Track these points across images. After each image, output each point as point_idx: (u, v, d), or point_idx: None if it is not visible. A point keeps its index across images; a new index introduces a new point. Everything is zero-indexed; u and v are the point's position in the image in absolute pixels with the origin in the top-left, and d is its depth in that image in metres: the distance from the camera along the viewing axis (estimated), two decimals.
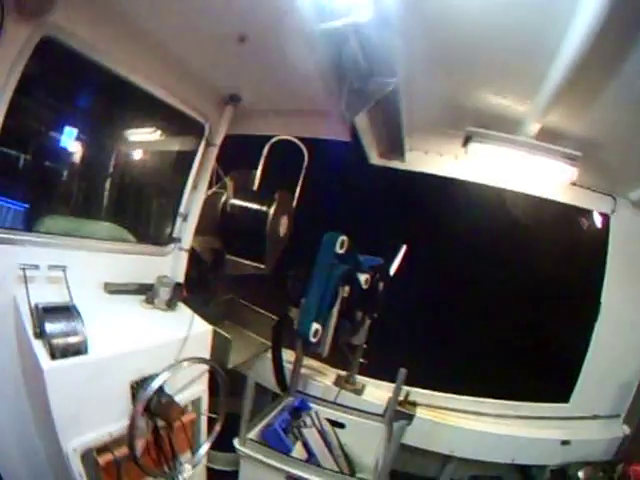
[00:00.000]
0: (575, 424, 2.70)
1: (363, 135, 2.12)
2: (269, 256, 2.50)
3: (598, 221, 2.64)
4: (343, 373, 2.46)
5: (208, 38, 1.60)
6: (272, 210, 2.39)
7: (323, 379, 2.43)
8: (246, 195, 2.50)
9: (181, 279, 2.13)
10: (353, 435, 2.26)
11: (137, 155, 2.05)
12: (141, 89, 1.73)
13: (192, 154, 2.13)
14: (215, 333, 1.84)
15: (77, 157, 1.76)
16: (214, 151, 2.20)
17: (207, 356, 1.75)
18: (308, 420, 2.21)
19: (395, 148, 2.23)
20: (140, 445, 1.36)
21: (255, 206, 2.44)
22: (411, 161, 2.38)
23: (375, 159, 2.34)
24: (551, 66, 1.45)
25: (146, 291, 1.82)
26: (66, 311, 1.30)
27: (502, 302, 2.52)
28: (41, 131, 1.64)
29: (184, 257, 2.17)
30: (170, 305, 1.78)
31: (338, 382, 2.40)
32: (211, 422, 1.72)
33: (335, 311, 1.90)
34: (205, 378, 1.68)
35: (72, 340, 1.23)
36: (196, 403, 1.73)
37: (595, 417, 2.81)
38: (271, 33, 1.46)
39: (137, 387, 1.38)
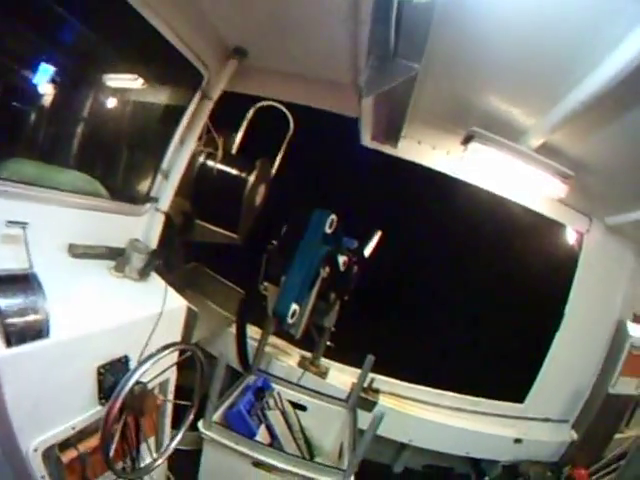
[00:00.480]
0: (528, 424, 2.89)
1: (364, 115, 2.03)
2: (243, 225, 2.41)
3: (572, 237, 2.86)
4: (307, 354, 2.46)
5: None
6: (252, 177, 2.29)
7: (287, 359, 2.42)
8: (226, 158, 2.39)
9: (154, 244, 1.95)
10: (314, 418, 2.28)
11: (121, 98, 1.79)
12: (139, 17, 1.47)
13: (184, 105, 1.91)
14: None
15: (49, 91, 1.51)
16: (209, 105, 2.01)
17: (179, 334, 1.64)
18: (271, 402, 2.20)
19: (390, 133, 2.18)
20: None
21: (235, 171, 2.34)
22: (403, 149, 2.35)
23: (367, 141, 2.29)
24: (572, 91, 1.57)
25: (116, 256, 1.63)
26: (24, 281, 1.09)
27: (473, 299, 2.61)
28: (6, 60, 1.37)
29: (160, 220, 1.96)
30: (142, 274, 1.61)
31: (302, 364, 2.39)
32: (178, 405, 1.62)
33: (314, 292, 1.85)
34: (174, 357, 1.54)
35: (32, 320, 1.04)
36: (164, 385, 1.62)
37: (546, 420, 3.03)
38: None
39: (105, 372, 1.24)
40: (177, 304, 1.61)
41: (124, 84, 1.77)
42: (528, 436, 2.80)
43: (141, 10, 1.44)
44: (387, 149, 2.34)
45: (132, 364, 1.33)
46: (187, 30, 1.68)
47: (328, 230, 1.86)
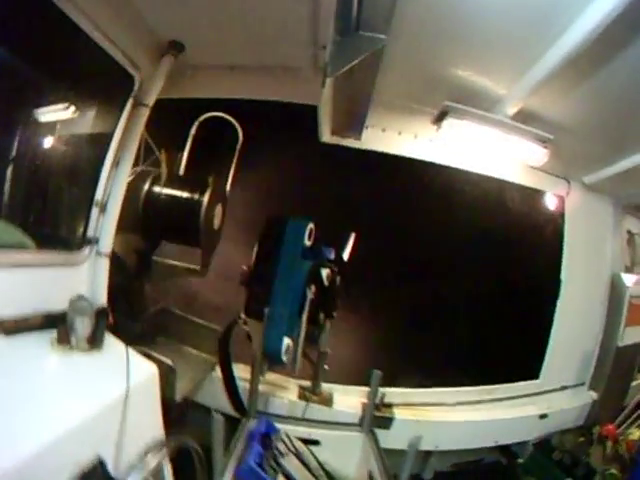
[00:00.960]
0: (548, 397, 2.88)
1: (324, 102, 1.84)
2: (205, 254, 2.19)
3: (554, 203, 2.87)
4: (306, 383, 2.28)
5: None
6: (206, 198, 2.07)
7: (285, 394, 2.22)
8: (174, 181, 2.16)
9: (103, 297, 1.64)
10: (331, 450, 2.11)
11: (35, 116, 1.46)
12: (54, 7, 1.18)
13: (114, 117, 1.60)
14: (155, 362, 1.44)
15: None
16: (145, 113, 1.72)
17: (157, 403, 1.38)
18: (281, 446, 1.99)
19: (353, 124, 2.03)
20: None
21: (186, 194, 2.10)
22: (367, 140, 2.22)
23: (327, 136, 2.13)
24: (548, 51, 1.57)
25: (56, 323, 1.34)
26: None
27: (468, 287, 2.55)
28: None
29: (105, 264, 1.65)
30: (93, 341, 1.34)
31: (303, 395, 2.20)
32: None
33: (304, 318, 1.66)
34: (157, 431, 1.33)
35: None
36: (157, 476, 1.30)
37: (564, 388, 3.03)
38: None
39: None
40: (146, 372, 1.34)
41: (38, 99, 1.46)
42: (551, 409, 2.80)
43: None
44: (350, 142, 2.19)
45: (110, 467, 1.06)
46: (111, 23, 1.42)
47: (307, 242, 1.68)
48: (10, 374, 1.07)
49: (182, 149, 2.25)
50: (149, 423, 1.33)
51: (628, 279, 3.24)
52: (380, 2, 1.35)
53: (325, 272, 1.80)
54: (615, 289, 3.20)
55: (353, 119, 2.05)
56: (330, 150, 2.12)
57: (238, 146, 2.24)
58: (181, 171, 2.22)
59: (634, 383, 3.76)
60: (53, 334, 1.32)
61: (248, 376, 2.12)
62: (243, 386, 2.13)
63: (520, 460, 2.93)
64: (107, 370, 1.28)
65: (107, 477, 1.03)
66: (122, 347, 1.38)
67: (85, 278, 1.57)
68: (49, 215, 1.60)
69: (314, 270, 1.70)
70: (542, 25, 1.50)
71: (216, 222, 2.15)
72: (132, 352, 1.37)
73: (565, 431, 3.01)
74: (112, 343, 1.43)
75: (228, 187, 2.15)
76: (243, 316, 1.91)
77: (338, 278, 1.86)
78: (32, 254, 1.36)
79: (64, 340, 1.29)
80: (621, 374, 3.49)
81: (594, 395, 3.17)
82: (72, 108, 1.54)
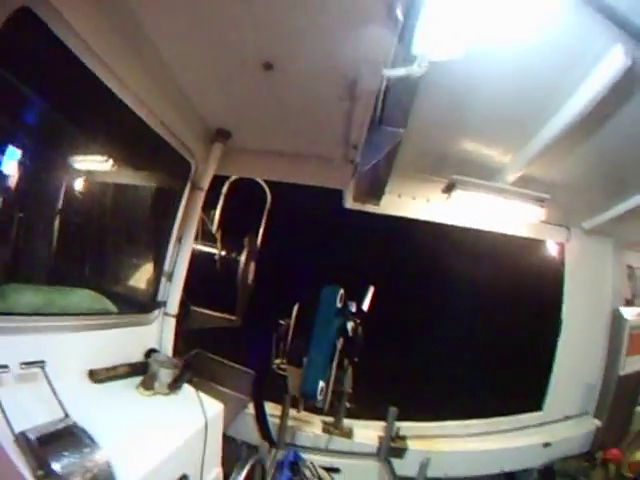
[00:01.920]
0: (552, 427, 3.28)
1: (351, 184, 2.29)
2: (239, 306, 2.63)
3: (554, 249, 3.33)
4: (328, 419, 2.70)
5: (223, 66, 1.54)
6: (243, 257, 2.53)
7: (310, 428, 2.65)
8: (209, 239, 2.60)
9: (169, 350, 2.05)
10: (350, 477, 2.52)
11: (113, 200, 1.81)
12: (126, 108, 1.48)
13: (176, 200, 1.97)
14: None
15: (36, 201, 1.46)
16: (201, 196, 2.07)
17: (221, 436, 1.76)
18: (307, 472, 2.42)
19: (373, 192, 2.46)
20: None
21: (224, 253, 2.56)
22: (385, 205, 2.65)
23: (349, 203, 2.57)
24: (542, 129, 2.01)
25: (137, 372, 1.71)
26: (71, 435, 1.08)
27: (476, 329, 2.96)
28: None
29: (171, 324, 2.04)
30: (172, 388, 1.70)
31: (326, 429, 2.62)
32: None
33: (334, 365, 2.12)
34: (218, 458, 1.70)
35: (94, 477, 1.02)
36: None
37: (567, 418, 3.43)
38: (298, 58, 1.45)
39: None
40: (216, 410, 1.72)
41: (114, 186, 1.82)
42: (555, 438, 3.17)
43: (125, 99, 1.48)
44: (369, 208, 2.63)
45: (191, 478, 1.44)
46: (171, 116, 1.72)
47: (339, 305, 2.13)
48: (111, 415, 1.38)
49: (214, 208, 2.70)
50: (217, 449, 1.74)
51: (628, 312, 3.64)
52: (400, 102, 1.71)
53: (350, 325, 2.24)
54: (616, 322, 3.59)
55: (373, 188, 2.48)
56: (352, 214, 2.57)
57: (267, 206, 2.68)
58: (214, 228, 2.66)
59: (639, 408, 4.16)
60: (135, 381, 1.68)
61: (277, 413, 2.58)
62: (272, 421, 2.58)
63: None
64: (185, 408, 1.64)
65: None
66: (192, 390, 1.77)
67: (155, 334, 1.99)
68: (127, 283, 1.99)
69: (341, 324, 2.15)
70: (536, 108, 1.92)
71: (250, 277, 2.60)
72: (201, 394, 1.75)
73: (569, 457, 3.40)
74: (185, 387, 1.79)
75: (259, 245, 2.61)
76: (277, 361, 2.37)
77: (360, 329, 2.31)
78: (116, 317, 1.75)
79: (148, 387, 1.67)
80: (624, 401, 3.86)
81: (598, 423, 3.55)
82: (144, 194, 1.98)
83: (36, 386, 1.22)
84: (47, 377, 1.23)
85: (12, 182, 1.34)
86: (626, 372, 3.64)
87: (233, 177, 2.65)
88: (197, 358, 2.83)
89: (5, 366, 1.12)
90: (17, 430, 1.01)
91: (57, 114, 1.44)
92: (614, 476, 3.37)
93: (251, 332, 2.52)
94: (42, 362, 1.23)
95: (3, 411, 1.02)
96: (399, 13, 1.13)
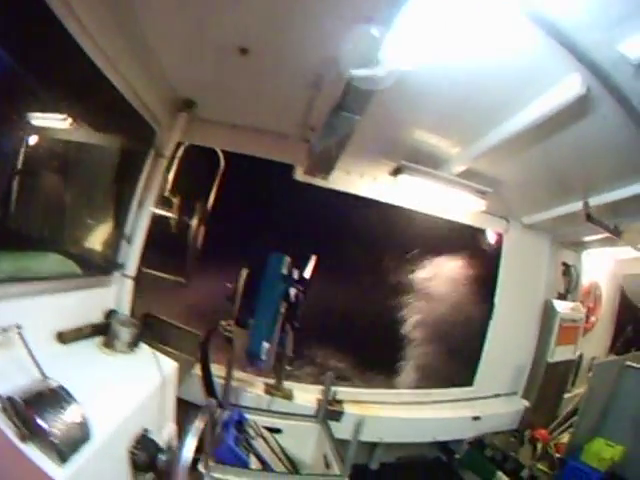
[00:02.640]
0: (481, 403, 3.63)
1: (303, 159, 2.48)
2: (189, 268, 2.77)
3: (493, 238, 3.65)
4: (270, 381, 2.91)
5: (200, 46, 1.65)
6: (194, 222, 2.67)
7: (253, 389, 2.84)
8: (164, 203, 2.71)
9: (127, 311, 2.16)
10: (291, 438, 2.72)
11: (78, 164, 1.83)
12: (96, 69, 1.51)
13: (139, 165, 2.07)
14: None
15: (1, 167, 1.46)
16: (163, 163, 2.20)
17: (175, 392, 1.90)
18: (251, 431, 2.60)
19: (322, 167, 2.65)
20: None
21: (175, 216, 2.68)
22: (334, 180, 2.86)
23: (300, 175, 2.77)
24: (492, 132, 2.23)
25: (99, 332, 1.83)
26: (54, 394, 1.17)
27: (415, 303, 3.24)
28: None
29: (129, 285, 2.16)
30: (132, 346, 1.84)
31: (268, 390, 2.83)
32: None
33: (278, 327, 2.31)
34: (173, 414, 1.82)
35: (75, 430, 1.12)
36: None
37: (497, 395, 3.80)
38: (274, 49, 1.61)
39: (136, 452, 1.43)
40: (170, 367, 1.88)
41: (80, 148, 1.83)
42: (484, 413, 3.52)
43: (96, 59, 1.51)
44: (318, 181, 2.83)
45: (152, 434, 1.56)
46: (141, 83, 1.80)
47: (284, 271, 2.32)
48: (79, 373, 1.46)
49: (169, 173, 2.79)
50: (172, 406, 1.90)
51: (559, 305, 4.06)
52: (360, 94, 1.86)
53: (292, 291, 2.44)
54: (547, 313, 4.00)
55: (324, 164, 2.69)
56: (301, 187, 2.77)
57: (220, 171, 2.81)
58: (166, 192, 2.76)
59: (567, 395, 4.61)
60: (98, 341, 1.80)
61: (222, 374, 2.74)
62: (218, 382, 2.74)
63: (457, 456, 3.67)
64: (144, 365, 1.78)
65: (150, 441, 1.52)
66: (149, 349, 1.92)
67: (113, 295, 2.10)
68: (89, 245, 2.06)
69: (285, 290, 2.34)
70: (487, 114, 2.14)
71: (199, 241, 2.74)
72: (157, 353, 1.90)
73: (497, 433, 3.77)
74: (143, 346, 1.95)
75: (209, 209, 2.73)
76: (224, 323, 2.53)
77: (302, 295, 2.51)
78: (81, 280, 1.83)
79: (110, 346, 1.81)
80: (552, 386, 4.30)
81: (526, 403, 3.95)
82: (109, 158, 2.03)
83: (13, 349, 1.27)
84: (24, 341, 1.28)
85: None
86: (555, 360, 4.06)
87: (187, 144, 2.73)
88: (146, 319, 2.96)
89: None
90: (1, 393, 1.08)
91: (23, 68, 1.39)
92: (541, 454, 3.77)
93: (199, 294, 2.66)
94: (19, 326, 1.29)
95: None
96: (372, 21, 1.29)
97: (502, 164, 2.74)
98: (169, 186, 2.56)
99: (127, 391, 1.53)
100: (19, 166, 1.55)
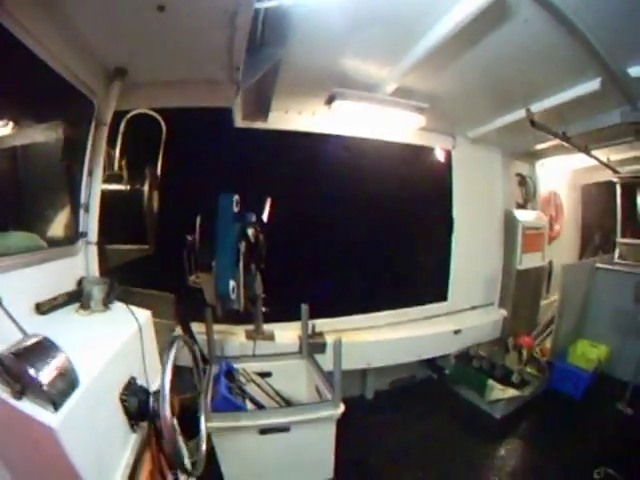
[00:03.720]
0: (459, 316, 3.89)
1: (237, 103, 2.54)
2: (150, 234, 2.84)
3: (442, 155, 3.81)
4: (249, 327, 3.04)
5: (118, 10, 1.70)
6: (146, 187, 2.71)
7: (235, 338, 2.98)
8: (112, 177, 2.75)
9: (96, 274, 2.28)
10: (282, 378, 2.86)
11: (28, 143, 1.91)
12: (29, 53, 1.58)
13: (83, 136, 2.16)
14: None
15: None
16: (105, 131, 2.31)
17: (154, 341, 2.01)
18: (242, 379, 2.74)
19: (259, 110, 2.72)
20: None
21: (127, 187, 2.72)
22: (273, 121, 2.93)
23: (239, 122, 2.83)
24: (416, 44, 2.27)
25: (74, 299, 1.91)
26: (39, 346, 1.22)
27: (378, 230, 3.41)
28: None
29: (94, 251, 2.28)
30: (106, 303, 1.95)
31: (250, 336, 2.97)
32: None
33: (241, 267, 2.40)
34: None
35: (64, 377, 1.17)
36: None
37: (473, 308, 4.07)
38: (187, 7, 1.67)
39: (126, 397, 1.50)
40: (144, 315, 2.00)
41: (28, 128, 1.90)
42: (464, 325, 3.76)
43: (25, 40, 1.58)
44: (258, 125, 2.90)
45: (139, 381, 1.66)
46: (72, 59, 1.89)
47: (235, 209, 2.41)
48: (60, 335, 1.41)
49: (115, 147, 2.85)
50: (154, 352, 1.99)
51: (520, 214, 4.31)
52: (277, 25, 1.99)
53: (250, 231, 2.54)
54: (509, 222, 4.25)
55: (260, 106, 2.76)
56: (243, 133, 2.84)
57: (163, 137, 2.86)
58: (115, 166, 2.81)
59: (544, 302, 4.96)
60: (74, 307, 1.88)
61: (202, 330, 2.87)
62: (201, 339, 2.87)
63: (446, 372, 3.94)
64: (120, 318, 1.88)
65: (138, 387, 1.60)
66: (122, 305, 2.02)
67: (81, 263, 2.21)
68: (51, 219, 2.14)
69: (241, 230, 2.44)
70: (408, 25, 2.15)
71: (155, 205, 2.81)
72: (131, 306, 2.00)
73: (481, 344, 4.05)
74: (116, 304, 2.05)
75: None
76: (192, 277, 2.64)
77: (261, 236, 2.62)
78: (48, 252, 1.90)
79: (86, 307, 1.90)
80: (528, 294, 4.62)
81: (504, 312, 4.24)
82: (55, 133, 2.08)
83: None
84: (6, 310, 1.36)
85: None
86: (524, 267, 4.34)
87: (129, 115, 2.78)
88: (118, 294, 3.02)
89: None
90: None
91: None
92: (527, 359, 4.08)
93: (166, 256, 2.74)
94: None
95: None
96: None
97: (434, 78, 2.82)
98: (117, 158, 2.62)
99: (106, 340, 1.62)
100: None
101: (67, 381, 1.18)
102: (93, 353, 1.45)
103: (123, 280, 3.07)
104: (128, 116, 2.79)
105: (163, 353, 2.47)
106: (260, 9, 1.85)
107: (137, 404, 1.53)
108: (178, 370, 2.41)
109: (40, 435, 1.08)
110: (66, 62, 1.89)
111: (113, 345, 1.59)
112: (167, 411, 1.38)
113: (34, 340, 1.23)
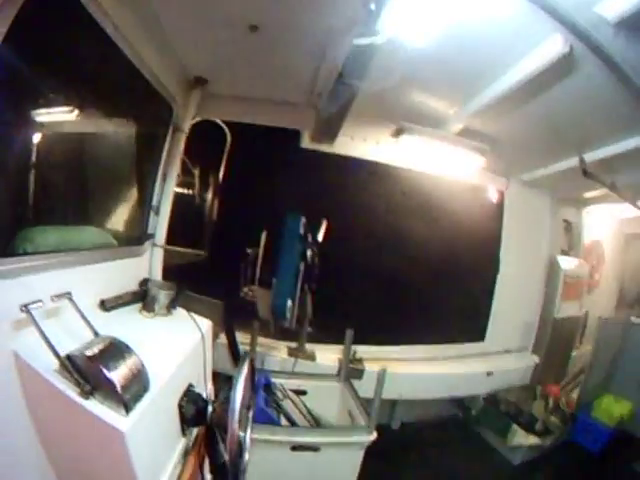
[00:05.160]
0: (493, 358, 3.90)
1: (310, 126, 2.69)
2: (206, 240, 2.99)
3: (495, 196, 3.90)
4: (292, 344, 3.14)
5: (210, 26, 1.81)
6: (210, 195, 2.88)
7: (277, 353, 3.07)
8: (184, 182, 2.91)
9: (159, 277, 2.36)
10: (315, 398, 2.94)
11: (109, 144, 2.00)
12: (120, 54, 1.66)
13: (161, 142, 2.26)
14: None
15: (41, 145, 1.55)
16: (182, 138, 2.40)
17: (212, 350, 2.03)
18: (278, 393, 2.82)
19: (327, 133, 2.86)
20: None
21: (190, 191, 2.89)
22: (338, 145, 3.07)
23: (306, 143, 2.99)
24: (488, 88, 2.42)
25: (137, 299, 1.97)
26: (115, 348, 1.22)
27: (425, 265, 3.48)
28: None
29: (160, 254, 2.36)
30: (169, 309, 1.99)
31: (292, 353, 3.06)
32: None
33: (299, 286, 2.52)
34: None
35: (137, 380, 1.17)
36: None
37: (508, 351, 4.08)
38: (282, 24, 1.78)
39: (184, 405, 1.53)
40: (207, 325, 2.03)
41: (107, 128, 1.95)
42: (497, 368, 3.77)
43: (115, 39, 1.65)
44: (324, 148, 3.05)
45: (196, 389, 1.69)
46: (157, 64, 1.96)
47: (302, 231, 2.54)
48: (126, 335, 1.44)
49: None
50: (210, 362, 2.00)
51: (563, 261, 4.33)
52: (361, 61, 2.07)
53: (309, 252, 2.66)
54: (552, 269, 4.27)
55: (329, 130, 2.90)
56: (308, 153, 2.98)
57: (227, 148, 3.02)
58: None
59: (575, 352, 4.91)
60: (137, 307, 1.93)
61: (246, 341, 2.98)
62: (243, 349, 2.98)
63: (473, 412, 3.95)
64: (182, 325, 1.92)
65: (197, 395, 1.64)
66: (184, 311, 2.06)
67: (146, 264, 2.31)
68: (122, 218, 2.21)
69: (303, 250, 2.57)
70: (479, 72, 2.30)
71: (214, 213, 2.96)
72: (192, 314, 2.05)
73: (510, 388, 4.05)
74: (178, 310, 2.08)
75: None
76: (245, 289, 2.76)
77: (317, 257, 2.74)
78: (117, 250, 1.99)
79: (150, 309, 1.94)
80: (561, 343, 4.59)
81: (536, 359, 4.23)
82: (133, 134, 2.16)
83: (64, 316, 1.39)
84: (76, 306, 1.40)
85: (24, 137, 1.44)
86: (561, 316, 4.34)
87: (194, 120, 2.92)
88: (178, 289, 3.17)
89: (39, 301, 1.24)
90: (62, 354, 1.13)
91: (55, 60, 1.51)
92: (553, 408, 4.06)
93: (219, 264, 2.87)
94: (69, 293, 1.40)
95: (47, 341, 1.15)
96: None
97: (498, 122, 2.95)
98: (189, 162, 2.78)
99: (172, 346, 1.67)
100: (66, 152, 1.74)
101: (140, 384, 1.19)
102: (162, 357, 1.48)
103: (177, 280, 3.24)
104: (193, 121, 2.97)
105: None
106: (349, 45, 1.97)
107: (194, 411, 1.57)
108: (214, 375, 2.54)
109: (107, 437, 1.08)
110: (150, 65, 1.94)
111: (181, 351, 1.65)
112: (236, 426, 1.40)
113: (107, 341, 1.24)
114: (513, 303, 3.93)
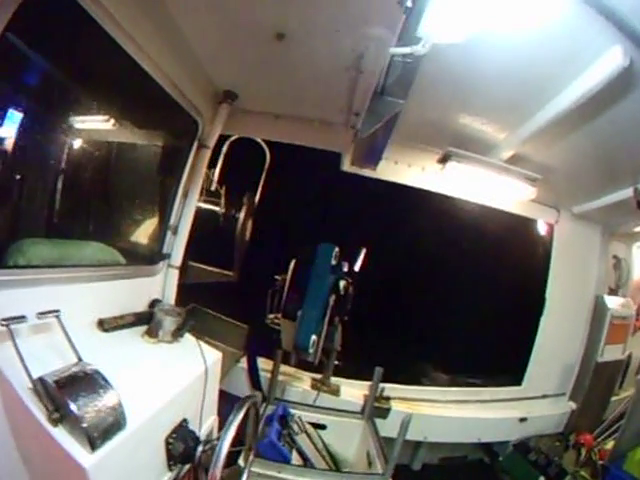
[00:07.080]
0: (529, 403, 3.65)
1: (350, 148, 2.55)
2: (236, 262, 2.89)
3: (544, 229, 3.65)
4: (317, 376, 3.00)
5: (236, 36, 1.70)
6: (242, 215, 2.77)
7: (300, 384, 2.94)
8: (209, 196, 2.82)
9: (172, 301, 2.25)
10: (335, 434, 2.81)
11: (125, 156, 1.94)
12: (141, 70, 1.61)
13: (184, 157, 2.15)
14: None
15: (49, 159, 1.55)
16: (207, 154, 2.29)
17: (218, 383, 1.94)
18: (295, 426, 2.70)
19: (369, 157, 2.71)
20: None
21: (223, 210, 2.79)
22: (381, 170, 2.92)
23: (347, 166, 2.84)
24: (538, 112, 2.26)
25: (142, 321, 1.87)
26: (89, 379, 1.16)
27: (463, 301, 3.29)
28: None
29: (175, 275, 2.24)
30: (176, 336, 1.87)
31: (315, 385, 2.92)
32: None
33: (326, 321, 2.38)
34: (215, 406, 1.88)
35: (109, 417, 1.11)
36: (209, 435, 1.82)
37: (544, 396, 3.82)
38: (311, 31, 1.63)
39: (173, 441, 1.45)
40: (215, 358, 1.90)
41: (124, 143, 1.93)
42: (531, 414, 3.54)
43: (136, 57, 1.59)
44: (366, 172, 2.90)
45: (191, 425, 1.60)
46: (182, 77, 1.88)
47: (333, 262, 2.40)
48: (120, 361, 1.50)
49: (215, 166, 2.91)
50: (215, 397, 1.94)
51: (610, 301, 4.02)
52: (402, 76, 1.92)
53: (342, 283, 2.51)
54: (598, 309, 3.97)
55: (371, 153, 2.75)
56: (348, 177, 2.84)
57: (266, 166, 2.92)
58: (213, 186, 2.88)
59: (614, 398, 4.58)
60: (140, 330, 1.82)
61: (267, 368, 2.86)
62: (264, 376, 2.86)
63: (500, 458, 3.71)
64: (186, 355, 1.81)
65: (189, 432, 1.55)
66: (193, 339, 1.95)
67: (159, 285, 2.18)
68: (134, 235, 2.15)
69: (335, 282, 2.42)
70: (533, 93, 2.15)
71: (247, 234, 2.86)
72: (201, 343, 1.94)
73: (543, 435, 3.80)
74: (186, 336, 1.97)
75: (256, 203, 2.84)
76: (272, 316, 2.63)
77: (351, 288, 2.58)
78: (124, 269, 1.89)
79: (153, 334, 1.83)
80: (601, 388, 4.28)
81: (573, 405, 3.95)
82: (153, 150, 2.13)
83: (51, 335, 1.33)
84: (62, 325, 1.34)
85: (31, 141, 1.41)
86: (604, 359, 4.04)
87: (234, 137, 2.85)
88: (192, 312, 3.09)
89: (22, 317, 1.21)
90: (35, 376, 1.11)
91: (81, 77, 1.54)
92: (584, 460, 3.78)
93: (247, 288, 2.77)
94: (57, 311, 1.34)
95: (22, 359, 1.12)
96: None
97: (550, 148, 2.75)
98: (216, 179, 2.67)
99: (167, 379, 1.55)
100: (70, 162, 1.67)
101: (112, 422, 1.12)
102: (153, 389, 1.41)
103: (199, 298, 3.15)
104: (231, 139, 2.88)
105: (224, 378, 2.40)
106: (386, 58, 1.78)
107: (182, 450, 1.48)
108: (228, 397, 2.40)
109: (70, 469, 1.03)
110: (174, 79, 1.86)
111: (174, 386, 1.54)
112: (218, 474, 1.28)
113: (86, 371, 1.18)
114: (555, 346, 3.68)
